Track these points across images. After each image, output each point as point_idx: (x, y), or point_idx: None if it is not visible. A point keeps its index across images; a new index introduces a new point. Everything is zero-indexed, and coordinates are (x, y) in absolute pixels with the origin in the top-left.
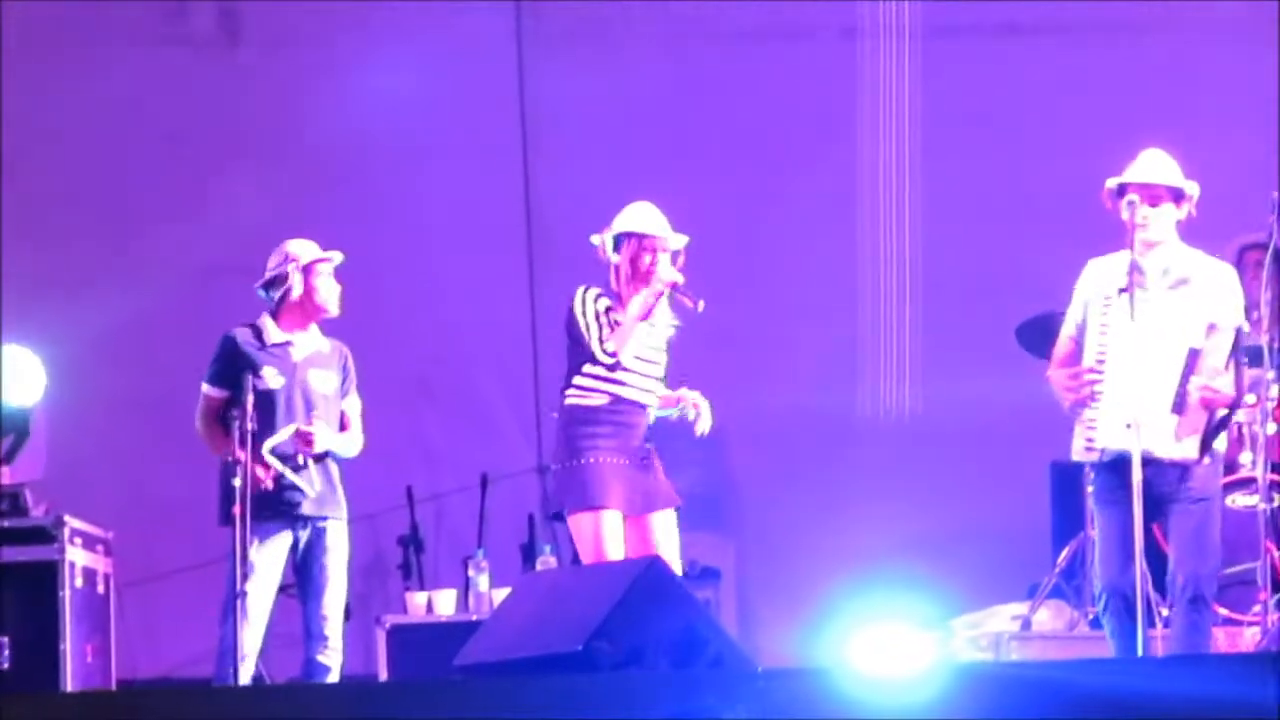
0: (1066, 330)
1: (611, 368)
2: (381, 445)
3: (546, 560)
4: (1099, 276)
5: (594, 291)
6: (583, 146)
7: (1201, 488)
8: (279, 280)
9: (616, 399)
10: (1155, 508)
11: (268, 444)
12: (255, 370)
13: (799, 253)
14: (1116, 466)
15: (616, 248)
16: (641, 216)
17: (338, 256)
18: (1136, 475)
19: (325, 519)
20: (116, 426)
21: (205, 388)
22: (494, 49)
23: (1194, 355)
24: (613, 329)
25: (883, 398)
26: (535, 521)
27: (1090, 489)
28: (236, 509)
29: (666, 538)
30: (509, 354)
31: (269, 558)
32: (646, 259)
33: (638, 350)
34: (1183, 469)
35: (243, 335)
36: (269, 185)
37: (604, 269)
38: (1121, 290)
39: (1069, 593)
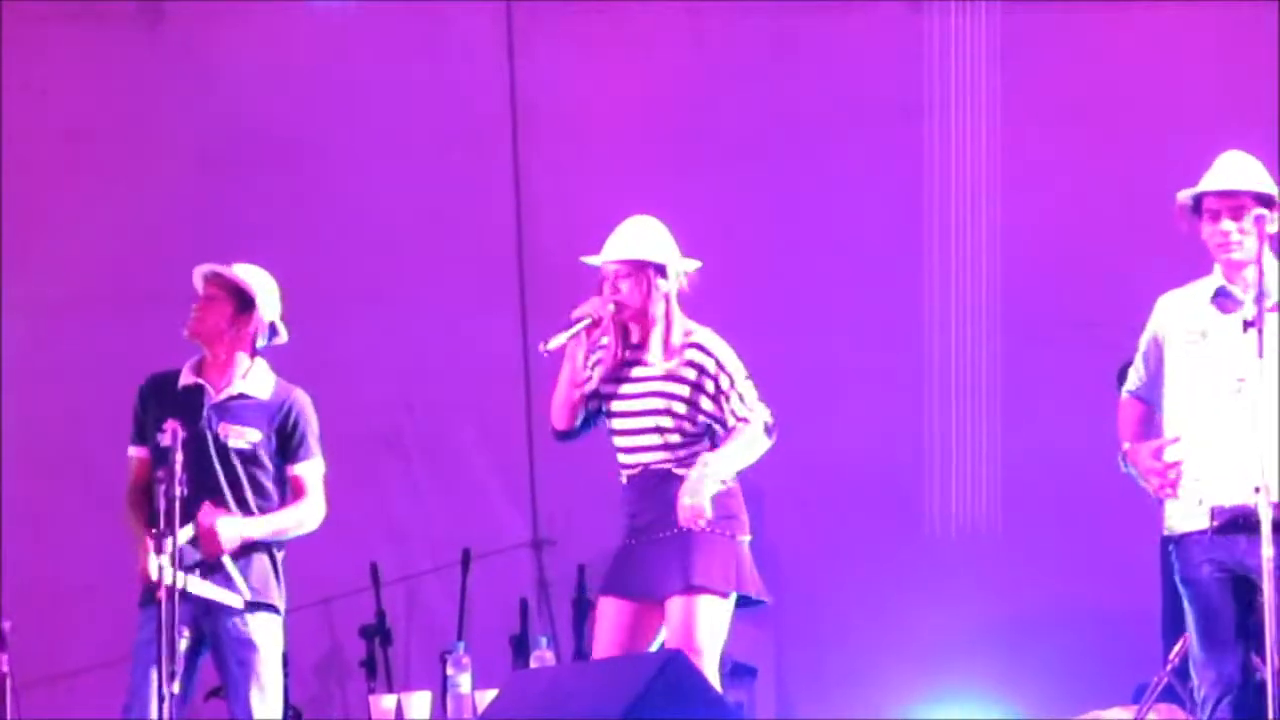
0: (1131, 384)
1: (561, 438)
2: (339, 514)
3: (543, 655)
4: (1180, 312)
5: (597, 356)
6: (583, 144)
7: None
8: None
9: (627, 471)
10: (1247, 585)
11: (182, 536)
12: (158, 424)
13: (851, 271)
14: (1229, 531)
15: None
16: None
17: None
18: (1268, 549)
19: (233, 611)
20: (15, 489)
21: (129, 450)
22: (483, 34)
23: None
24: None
25: (955, 453)
26: (529, 608)
27: (1176, 564)
28: (161, 592)
29: (677, 631)
30: (496, 400)
31: (154, 651)
32: (606, 290)
33: (618, 405)
34: None
35: (155, 381)
36: (194, 188)
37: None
38: (1249, 324)
39: (1184, 695)
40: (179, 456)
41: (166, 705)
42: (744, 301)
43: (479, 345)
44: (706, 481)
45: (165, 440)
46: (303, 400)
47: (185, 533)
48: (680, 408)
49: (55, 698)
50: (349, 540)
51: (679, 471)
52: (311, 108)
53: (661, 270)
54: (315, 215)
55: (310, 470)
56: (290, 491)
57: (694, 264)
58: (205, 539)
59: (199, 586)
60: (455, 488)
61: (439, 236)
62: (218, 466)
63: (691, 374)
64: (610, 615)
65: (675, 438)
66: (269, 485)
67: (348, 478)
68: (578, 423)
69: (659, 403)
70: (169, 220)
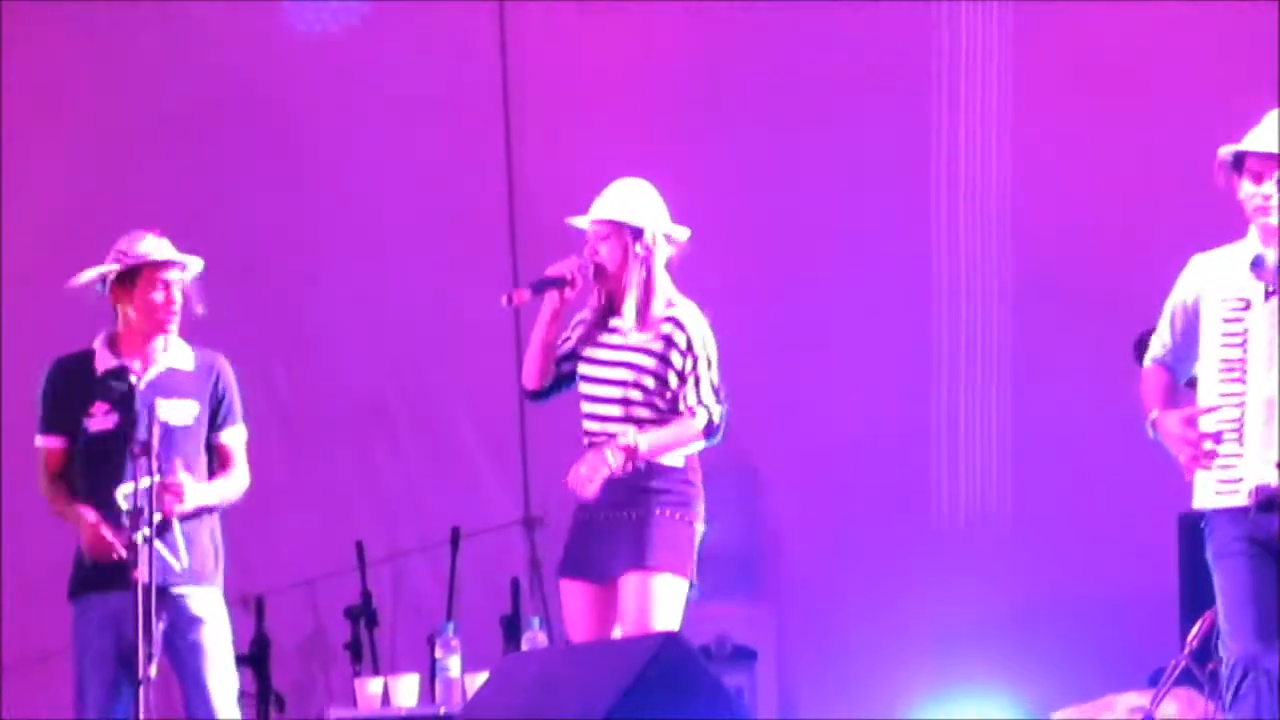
0: (1155, 350)
1: (532, 397)
2: (325, 491)
3: (535, 637)
4: (1218, 275)
5: (579, 316)
6: (576, 111)
7: None
8: (103, 285)
9: (591, 438)
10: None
11: (120, 495)
12: (84, 408)
13: (855, 244)
14: (1267, 510)
15: None
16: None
17: (172, 258)
18: None
19: (181, 587)
20: None
21: (38, 439)
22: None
23: None
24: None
25: (964, 431)
26: (520, 588)
27: (1209, 539)
28: (137, 573)
29: (632, 611)
30: (487, 374)
31: (108, 633)
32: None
33: (589, 369)
34: None
35: (69, 365)
36: (176, 157)
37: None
38: (1271, 293)
39: (1202, 679)
40: (155, 436)
41: (143, 691)
42: (744, 276)
43: (469, 318)
44: (607, 455)
45: (96, 425)
46: (226, 364)
47: (144, 482)
48: (649, 381)
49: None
50: (333, 518)
51: None
52: (300, 75)
53: (639, 234)
54: (303, 185)
55: (236, 437)
56: (217, 461)
57: (683, 231)
58: (171, 493)
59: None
60: (444, 464)
61: (429, 206)
62: (154, 445)
63: (659, 346)
64: (575, 599)
65: (643, 412)
66: (200, 458)
67: (333, 453)
68: (547, 383)
69: (627, 374)
70: (149, 188)
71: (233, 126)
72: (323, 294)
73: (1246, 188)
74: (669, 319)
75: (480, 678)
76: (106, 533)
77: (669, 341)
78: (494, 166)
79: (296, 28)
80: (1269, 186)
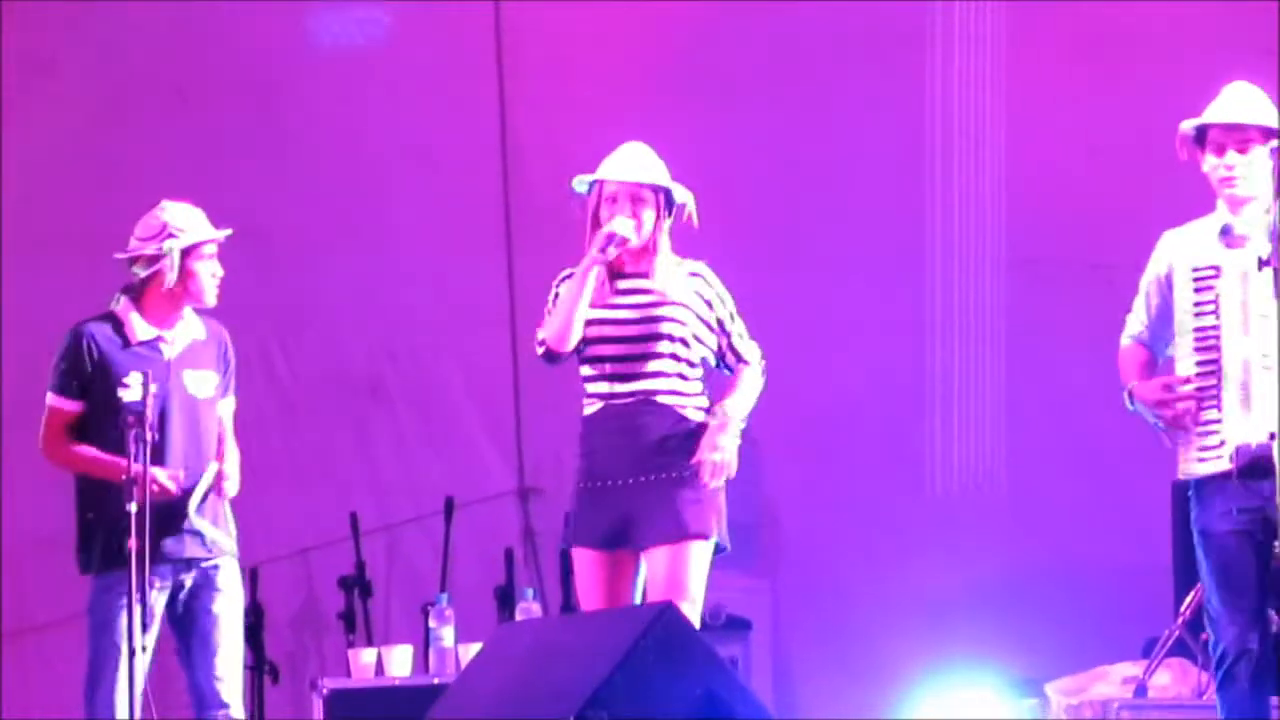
0: (1133, 328)
1: (551, 360)
2: (320, 462)
3: (529, 607)
4: (1186, 249)
5: (565, 272)
6: (571, 79)
7: None
8: (149, 260)
9: (610, 401)
10: (1270, 534)
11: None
12: (118, 378)
13: (849, 210)
14: (1253, 475)
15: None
16: (611, 158)
17: (226, 233)
18: None
19: (214, 559)
20: None
21: (52, 398)
22: None
23: None
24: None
25: (958, 400)
26: (514, 559)
27: (1195, 511)
28: (132, 542)
29: (665, 579)
30: (482, 344)
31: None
32: (606, 212)
33: (613, 330)
34: None
35: (99, 331)
36: (171, 127)
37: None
38: (1264, 263)
39: (1195, 649)
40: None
41: (140, 661)
42: (740, 248)
43: (464, 288)
44: (731, 434)
45: (131, 396)
46: (227, 334)
47: (208, 476)
48: (680, 331)
49: (23, 651)
50: (328, 488)
51: (663, 402)
52: (291, 44)
53: (669, 196)
54: (295, 155)
55: (230, 409)
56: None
57: (690, 197)
58: (227, 481)
59: (206, 528)
60: (438, 434)
61: (422, 177)
62: (181, 417)
63: (695, 301)
64: (590, 569)
65: (670, 364)
66: (215, 428)
67: (328, 424)
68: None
69: (666, 327)
70: (146, 160)
71: (229, 103)
72: (319, 267)
73: (1210, 160)
74: (693, 274)
75: (474, 648)
76: (159, 473)
77: (701, 295)
78: (489, 143)
79: (323, 39)
80: (1232, 157)
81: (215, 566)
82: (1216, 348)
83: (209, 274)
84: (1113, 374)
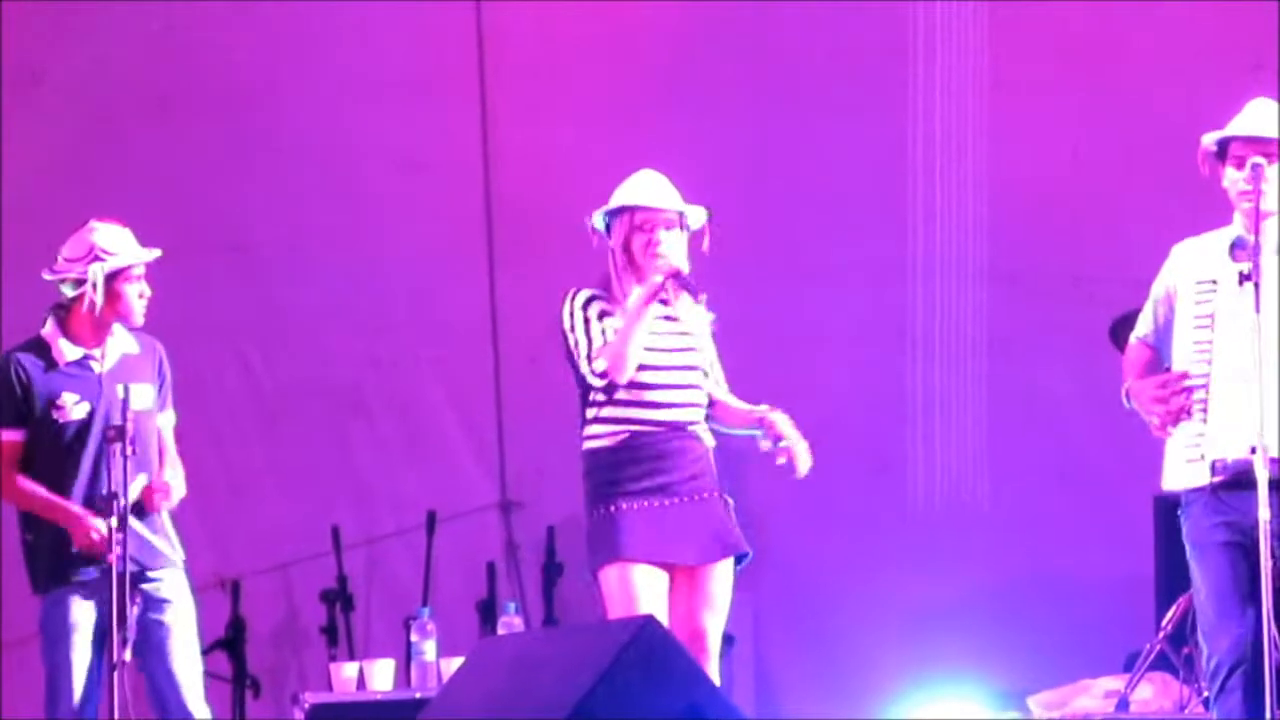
0: (1141, 330)
1: (610, 391)
2: (300, 475)
3: (511, 621)
4: (1193, 261)
5: (583, 295)
6: (553, 86)
7: None
8: (76, 281)
9: (640, 429)
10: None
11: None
12: (51, 400)
13: (831, 220)
14: (1234, 488)
15: (610, 230)
16: (635, 186)
17: (154, 254)
18: (1264, 511)
19: (156, 571)
20: None
21: (3, 434)
22: None
23: None
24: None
25: (939, 413)
26: (497, 572)
27: (1185, 525)
28: (112, 557)
29: (719, 596)
30: (463, 355)
31: (87, 621)
32: (640, 240)
33: (652, 358)
34: None
35: (25, 358)
36: (150, 134)
37: (580, 248)
38: (1245, 277)
39: (1178, 663)
40: (130, 422)
41: (118, 675)
42: (720, 258)
43: (445, 298)
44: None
45: (66, 417)
46: (161, 347)
47: (134, 489)
48: (702, 361)
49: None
50: (309, 501)
51: (693, 430)
52: (271, 50)
53: (685, 224)
54: (277, 166)
55: (170, 422)
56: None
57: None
58: (159, 493)
59: (145, 540)
60: (420, 447)
61: (403, 185)
62: (129, 431)
63: (705, 330)
64: (653, 586)
65: (703, 396)
66: (156, 441)
67: (309, 436)
68: None
69: (696, 358)
70: (130, 170)
71: (211, 110)
72: (300, 278)
73: (1230, 174)
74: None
75: (456, 662)
76: (99, 524)
77: (706, 326)
78: (471, 151)
79: (304, 48)
80: (1249, 171)
81: (159, 580)
82: (1211, 361)
83: (136, 294)
84: (1094, 387)
